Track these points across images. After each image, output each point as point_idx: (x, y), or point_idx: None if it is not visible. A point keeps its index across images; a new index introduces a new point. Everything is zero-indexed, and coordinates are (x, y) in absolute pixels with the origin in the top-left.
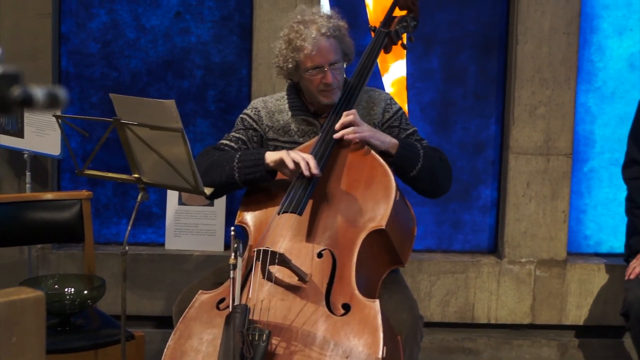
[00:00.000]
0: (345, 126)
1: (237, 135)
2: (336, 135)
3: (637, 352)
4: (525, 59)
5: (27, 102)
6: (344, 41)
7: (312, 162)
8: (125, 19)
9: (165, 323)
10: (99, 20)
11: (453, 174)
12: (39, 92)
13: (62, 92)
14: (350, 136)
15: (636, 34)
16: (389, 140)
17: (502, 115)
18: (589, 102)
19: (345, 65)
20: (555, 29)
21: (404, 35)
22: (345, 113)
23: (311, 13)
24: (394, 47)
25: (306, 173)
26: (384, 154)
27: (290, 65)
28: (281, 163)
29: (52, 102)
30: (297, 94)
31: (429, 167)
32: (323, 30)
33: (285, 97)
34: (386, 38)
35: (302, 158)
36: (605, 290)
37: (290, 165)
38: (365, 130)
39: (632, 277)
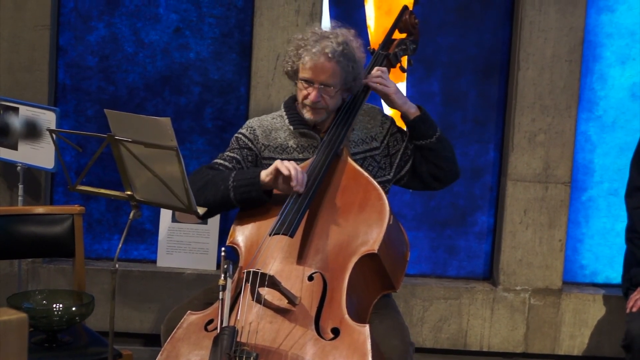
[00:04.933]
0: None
1: (232, 154)
2: (366, 81)
3: None
4: (527, 85)
5: (4, 131)
6: (348, 72)
7: (300, 177)
8: (124, 33)
9: (154, 341)
10: (97, 33)
11: (450, 200)
12: (16, 122)
13: (40, 123)
14: (379, 87)
15: (639, 63)
16: (410, 104)
17: (502, 142)
18: (589, 131)
19: (343, 95)
20: (557, 56)
21: (404, 59)
22: (376, 68)
23: (330, 31)
24: (392, 69)
25: (293, 184)
26: (403, 116)
27: (289, 68)
28: (276, 172)
29: (30, 132)
30: (295, 109)
31: (445, 138)
32: (327, 50)
33: (284, 113)
34: (384, 60)
35: (294, 168)
36: (600, 321)
37: (285, 171)
38: (392, 86)
39: (634, 309)
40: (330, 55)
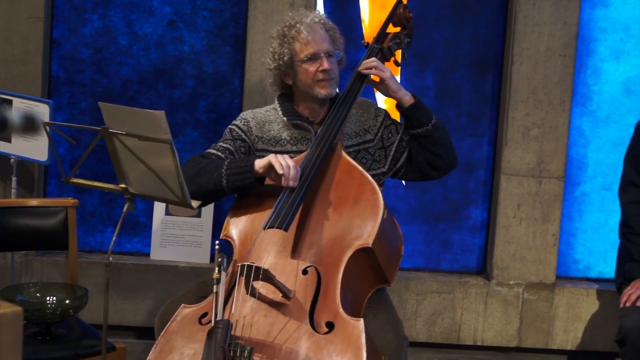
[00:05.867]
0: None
1: (225, 145)
2: (360, 68)
3: None
4: (521, 80)
5: (1, 125)
6: (336, 40)
7: (293, 172)
8: (118, 26)
9: (148, 334)
10: (91, 25)
11: (444, 194)
12: (14, 115)
13: (39, 116)
14: (373, 71)
15: (633, 58)
16: (405, 92)
17: (495, 136)
18: (583, 126)
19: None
20: (551, 51)
21: (398, 52)
22: (367, 60)
23: (302, 13)
24: (386, 63)
25: (283, 183)
26: (398, 106)
27: (285, 58)
28: (270, 167)
29: (28, 126)
30: (289, 102)
31: (441, 125)
32: (317, 20)
33: (278, 106)
34: (379, 54)
35: (287, 164)
36: (594, 316)
37: (280, 169)
38: (387, 71)
39: (628, 304)
40: (322, 21)
